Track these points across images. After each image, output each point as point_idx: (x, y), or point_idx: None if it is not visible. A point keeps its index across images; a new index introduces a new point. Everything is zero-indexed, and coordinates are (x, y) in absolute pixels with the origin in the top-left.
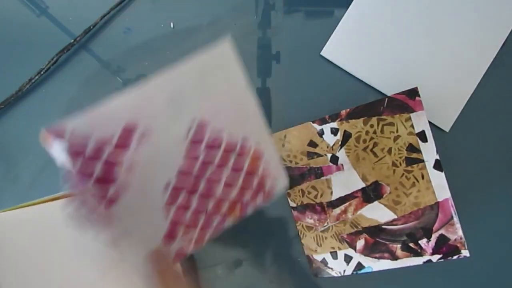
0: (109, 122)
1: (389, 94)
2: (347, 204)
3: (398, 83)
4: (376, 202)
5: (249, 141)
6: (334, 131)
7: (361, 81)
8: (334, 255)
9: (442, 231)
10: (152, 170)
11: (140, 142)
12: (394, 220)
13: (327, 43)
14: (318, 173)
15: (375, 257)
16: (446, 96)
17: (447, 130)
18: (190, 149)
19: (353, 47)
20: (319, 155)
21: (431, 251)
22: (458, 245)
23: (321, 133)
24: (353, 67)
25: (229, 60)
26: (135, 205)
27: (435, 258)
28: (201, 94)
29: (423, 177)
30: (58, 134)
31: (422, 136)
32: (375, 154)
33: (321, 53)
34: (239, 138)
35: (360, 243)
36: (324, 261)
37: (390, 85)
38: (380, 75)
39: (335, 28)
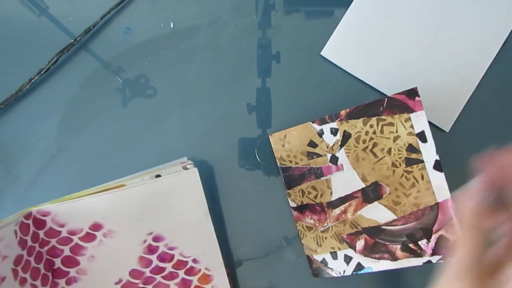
0: (81, 217)
1: (389, 94)
2: (347, 204)
3: (398, 83)
4: (375, 203)
5: (200, 264)
6: (334, 131)
7: (361, 81)
8: (334, 255)
9: (442, 232)
10: (108, 264)
11: (102, 239)
12: (394, 220)
13: (327, 43)
14: (318, 173)
15: (375, 258)
16: (446, 96)
17: (447, 130)
18: (143, 256)
19: (353, 47)
20: (319, 155)
21: (431, 252)
22: None
23: (321, 133)
24: (353, 67)
25: (195, 187)
26: None
27: (435, 259)
28: (163, 211)
29: (422, 178)
30: (44, 215)
31: (421, 136)
32: (374, 155)
33: (321, 53)
34: (190, 259)
35: (360, 244)
36: (324, 261)
37: (390, 85)
38: (380, 75)
39: (335, 28)
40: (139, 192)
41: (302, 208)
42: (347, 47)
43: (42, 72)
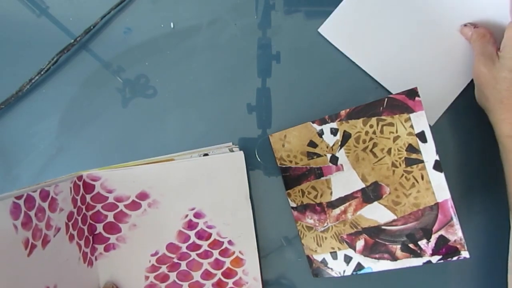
0: (131, 185)
1: (383, 84)
2: (347, 204)
3: (393, 72)
4: (375, 203)
5: (234, 246)
6: (334, 132)
7: (360, 80)
8: (334, 255)
9: (441, 232)
10: (148, 234)
11: (146, 209)
12: (393, 220)
13: (326, 21)
14: (318, 173)
15: (375, 258)
16: (437, 89)
17: (431, 123)
18: (182, 231)
19: (351, 28)
20: (319, 156)
21: (430, 252)
22: (458, 246)
23: (321, 133)
24: (349, 50)
25: (239, 169)
26: (125, 258)
27: (434, 259)
28: (207, 188)
29: (422, 178)
30: (94, 180)
31: (421, 136)
32: (374, 155)
33: (319, 30)
34: (225, 240)
35: (360, 244)
36: (324, 261)
37: (386, 75)
38: (375, 62)
39: None
40: (187, 166)
41: (302, 208)
42: (344, 31)
43: (42, 72)
